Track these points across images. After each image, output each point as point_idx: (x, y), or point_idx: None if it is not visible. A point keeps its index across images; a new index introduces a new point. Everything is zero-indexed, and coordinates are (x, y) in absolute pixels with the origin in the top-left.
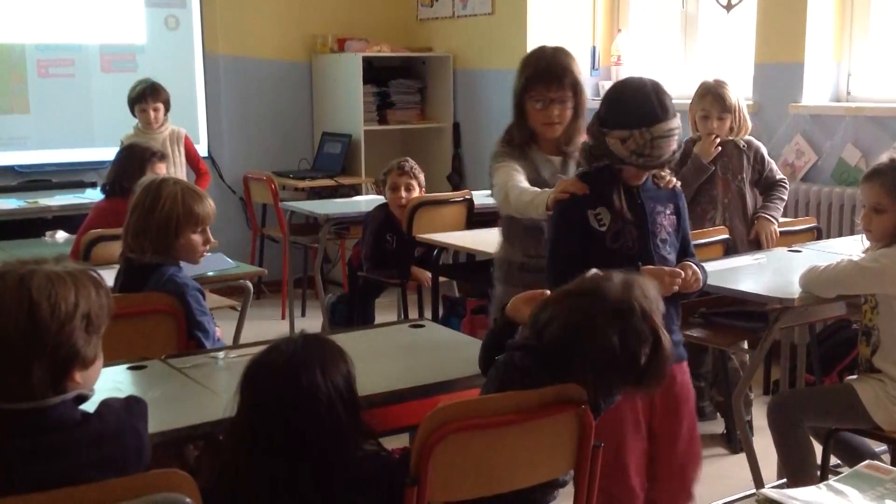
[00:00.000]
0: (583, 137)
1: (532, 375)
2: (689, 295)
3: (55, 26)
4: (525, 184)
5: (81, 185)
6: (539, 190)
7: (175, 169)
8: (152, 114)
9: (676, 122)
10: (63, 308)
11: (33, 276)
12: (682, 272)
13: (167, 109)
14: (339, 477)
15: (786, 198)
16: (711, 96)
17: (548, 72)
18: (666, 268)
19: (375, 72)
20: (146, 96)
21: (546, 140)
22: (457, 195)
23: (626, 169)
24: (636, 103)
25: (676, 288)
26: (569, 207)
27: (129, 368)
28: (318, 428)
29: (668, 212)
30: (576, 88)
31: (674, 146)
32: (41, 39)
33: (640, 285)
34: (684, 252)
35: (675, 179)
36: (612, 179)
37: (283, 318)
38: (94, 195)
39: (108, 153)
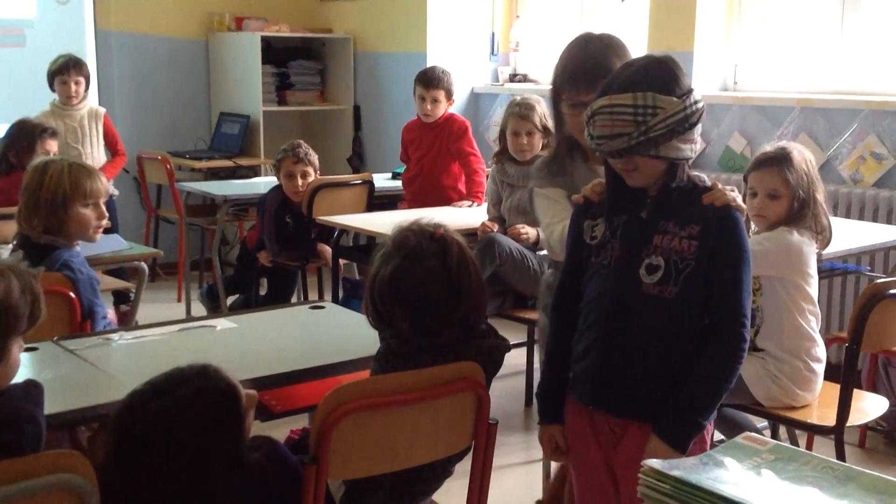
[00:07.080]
0: None
1: (413, 359)
2: None
3: None
4: (565, 219)
5: None
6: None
7: (92, 148)
8: (73, 87)
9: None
10: None
11: None
12: None
13: (87, 86)
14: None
15: None
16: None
17: (579, 72)
18: None
19: (274, 52)
20: (69, 68)
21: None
22: (357, 178)
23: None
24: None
25: None
26: (574, 214)
27: None
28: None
29: (683, 234)
30: None
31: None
32: None
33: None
34: (719, 301)
35: (738, 198)
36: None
37: (179, 300)
38: None
39: None
